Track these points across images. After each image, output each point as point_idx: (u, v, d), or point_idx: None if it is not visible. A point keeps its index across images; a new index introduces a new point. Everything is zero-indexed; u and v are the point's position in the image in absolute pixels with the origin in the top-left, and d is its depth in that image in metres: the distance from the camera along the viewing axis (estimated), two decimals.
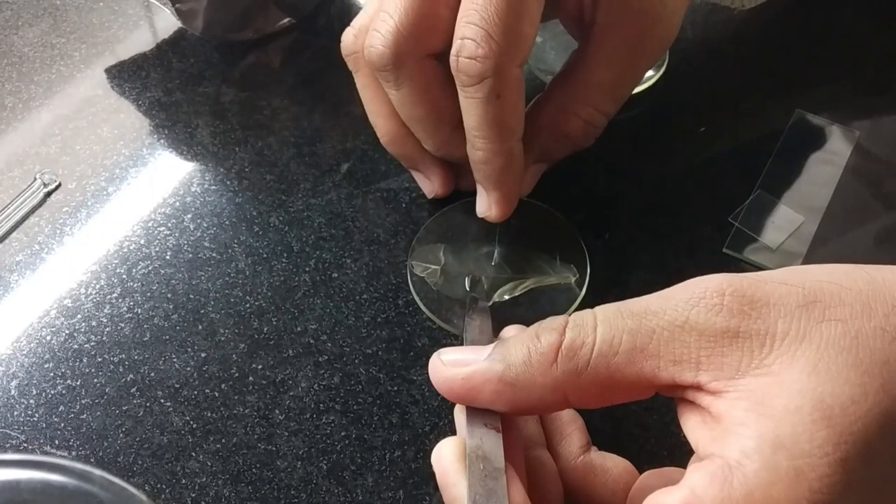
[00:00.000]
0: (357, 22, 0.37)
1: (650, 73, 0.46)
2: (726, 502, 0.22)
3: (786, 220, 0.40)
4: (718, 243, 0.39)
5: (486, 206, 0.37)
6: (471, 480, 0.25)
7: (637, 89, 0.45)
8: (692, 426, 0.24)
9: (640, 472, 0.29)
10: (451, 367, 0.27)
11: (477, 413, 0.27)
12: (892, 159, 0.43)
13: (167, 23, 0.50)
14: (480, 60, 0.32)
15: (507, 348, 0.26)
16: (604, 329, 0.25)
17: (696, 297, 0.24)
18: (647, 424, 0.34)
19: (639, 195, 0.42)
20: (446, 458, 0.26)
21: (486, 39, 0.32)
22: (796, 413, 0.22)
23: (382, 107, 0.38)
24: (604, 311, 0.25)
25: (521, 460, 0.28)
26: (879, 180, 0.42)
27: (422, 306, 0.38)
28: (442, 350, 0.28)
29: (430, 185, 0.40)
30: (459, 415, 0.28)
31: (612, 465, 0.29)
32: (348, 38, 0.37)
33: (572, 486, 0.29)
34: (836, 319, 0.23)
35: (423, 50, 0.35)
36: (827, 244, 0.39)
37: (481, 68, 0.32)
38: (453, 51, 0.33)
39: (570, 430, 0.30)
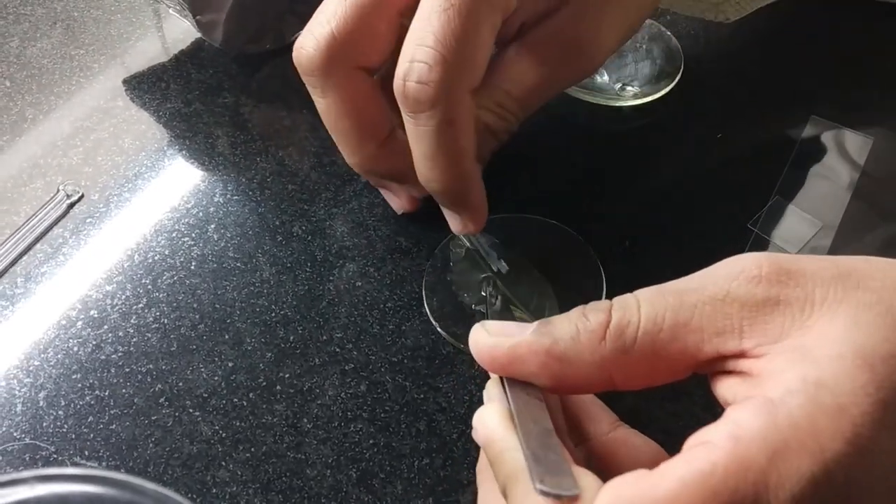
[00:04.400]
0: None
1: (666, 80, 0.46)
2: (772, 432, 0.22)
3: (804, 226, 0.40)
4: (737, 249, 0.39)
5: (461, 224, 0.37)
6: (525, 437, 0.25)
7: (653, 97, 0.46)
8: (729, 386, 0.25)
9: None
10: (495, 335, 0.27)
11: (518, 384, 0.27)
12: None
13: (184, 34, 0.51)
14: (433, 85, 0.30)
15: (554, 325, 0.26)
16: (647, 308, 0.25)
17: (735, 271, 0.25)
18: (672, 430, 0.35)
19: (657, 202, 0.42)
20: (491, 418, 0.26)
21: (441, 62, 0.30)
22: (839, 359, 0.22)
23: None
24: (644, 292, 0.26)
25: None
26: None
27: (430, 317, 0.38)
28: (485, 321, 0.28)
29: (397, 201, 0.40)
30: (493, 388, 0.28)
31: (642, 442, 0.29)
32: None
33: (601, 461, 0.29)
34: (871, 289, 0.24)
35: (355, 61, 0.34)
36: (845, 249, 0.39)
37: (433, 94, 0.31)
38: (400, 74, 0.31)
39: (597, 411, 0.30)
